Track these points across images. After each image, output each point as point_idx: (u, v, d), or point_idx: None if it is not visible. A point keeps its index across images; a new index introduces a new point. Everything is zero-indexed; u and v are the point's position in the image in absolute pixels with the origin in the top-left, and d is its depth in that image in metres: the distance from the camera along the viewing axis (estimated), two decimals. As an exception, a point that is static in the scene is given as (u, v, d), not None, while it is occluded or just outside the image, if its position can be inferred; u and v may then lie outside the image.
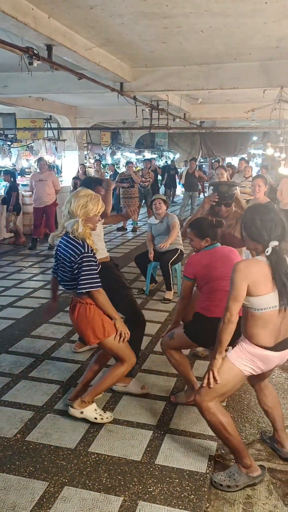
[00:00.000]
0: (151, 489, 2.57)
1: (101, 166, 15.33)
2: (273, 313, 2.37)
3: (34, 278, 7.03)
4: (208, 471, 2.72)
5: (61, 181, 12.67)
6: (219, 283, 3.07)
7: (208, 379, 2.46)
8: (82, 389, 3.39)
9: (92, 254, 2.91)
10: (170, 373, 3.84)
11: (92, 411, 3.14)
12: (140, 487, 2.58)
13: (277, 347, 2.46)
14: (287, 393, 3.62)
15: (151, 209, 6.62)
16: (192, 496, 2.52)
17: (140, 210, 11.95)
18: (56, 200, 9.49)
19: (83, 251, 2.87)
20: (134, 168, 12.66)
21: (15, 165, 14.24)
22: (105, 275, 3.19)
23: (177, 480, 2.64)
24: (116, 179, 11.27)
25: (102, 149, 18.35)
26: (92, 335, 2.99)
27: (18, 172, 13.74)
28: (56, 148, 14.65)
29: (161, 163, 21.98)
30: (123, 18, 5.32)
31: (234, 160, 20.73)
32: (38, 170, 9.71)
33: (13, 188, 9.53)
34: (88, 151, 17.24)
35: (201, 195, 17.73)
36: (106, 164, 17.36)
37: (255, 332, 2.43)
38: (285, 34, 5.96)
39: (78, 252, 2.87)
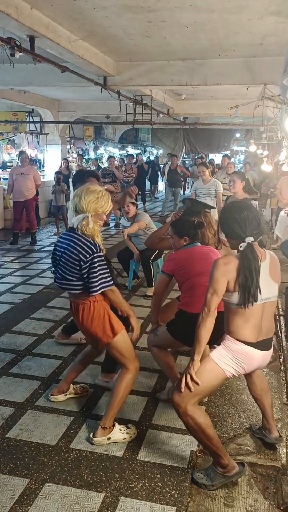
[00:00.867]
0: (133, 484, 2.57)
1: (84, 161, 15.22)
2: (253, 307, 2.40)
3: (15, 274, 6.95)
4: (189, 466, 2.73)
5: (43, 175, 12.52)
6: (199, 279, 3.09)
7: (187, 382, 2.43)
8: (65, 385, 3.37)
9: (102, 253, 2.80)
10: (153, 369, 3.84)
11: (118, 434, 2.94)
12: (122, 483, 2.57)
13: (259, 345, 2.48)
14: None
15: (119, 210, 6.58)
16: (174, 491, 2.53)
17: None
18: (37, 194, 9.36)
19: (95, 250, 2.73)
20: (116, 163, 12.57)
21: (-4, 159, 14.06)
22: None
23: (159, 476, 2.65)
24: (98, 174, 11.18)
25: (85, 143, 18.22)
26: (102, 334, 2.85)
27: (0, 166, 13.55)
28: (38, 142, 14.47)
29: (144, 158, 21.98)
30: (107, 11, 5.27)
31: (217, 157, 20.82)
32: (19, 164, 9.57)
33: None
34: (71, 146, 17.09)
35: (186, 192, 17.79)
36: (89, 159, 17.24)
37: (237, 327, 2.45)
38: (268, 31, 5.99)
39: (90, 252, 2.73)
